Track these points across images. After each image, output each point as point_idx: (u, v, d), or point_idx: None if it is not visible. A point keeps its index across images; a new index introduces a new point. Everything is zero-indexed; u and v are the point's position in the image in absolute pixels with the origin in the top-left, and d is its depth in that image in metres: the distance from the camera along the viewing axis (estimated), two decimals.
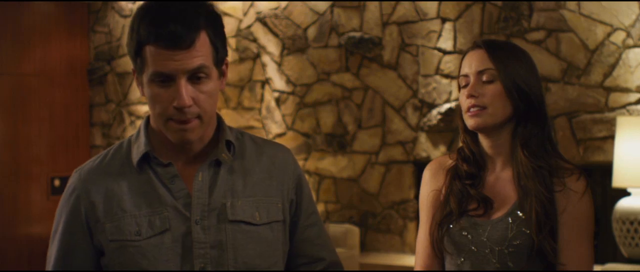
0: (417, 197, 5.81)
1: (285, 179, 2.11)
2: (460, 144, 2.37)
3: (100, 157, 2.06)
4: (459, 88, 2.31)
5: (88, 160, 2.09)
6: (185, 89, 1.89)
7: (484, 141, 2.29)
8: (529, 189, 2.18)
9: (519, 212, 2.18)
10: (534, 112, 2.24)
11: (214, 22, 1.94)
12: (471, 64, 2.26)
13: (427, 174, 2.40)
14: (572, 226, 2.17)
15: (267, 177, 2.08)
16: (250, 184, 2.05)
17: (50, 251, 2.03)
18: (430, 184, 2.38)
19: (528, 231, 2.16)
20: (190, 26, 1.87)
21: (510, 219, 2.19)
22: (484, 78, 2.23)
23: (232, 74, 6.48)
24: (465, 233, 2.23)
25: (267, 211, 2.04)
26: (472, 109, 2.23)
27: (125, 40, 7.32)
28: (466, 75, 2.27)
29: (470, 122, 2.24)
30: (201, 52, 1.89)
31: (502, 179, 2.27)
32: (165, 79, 1.89)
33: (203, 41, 1.89)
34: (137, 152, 2.00)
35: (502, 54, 2.25)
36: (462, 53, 2.34)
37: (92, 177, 2.01)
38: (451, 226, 2.24)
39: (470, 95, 2.23)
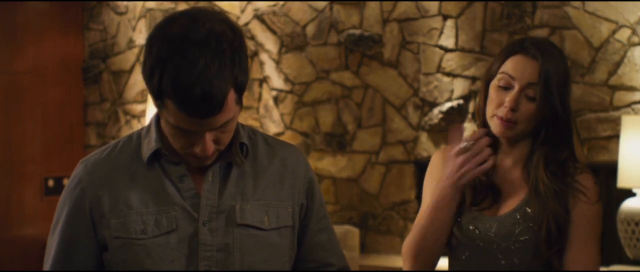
0: (418, 197, 5.81)
1: (297, 182, 2.10)
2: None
3: (107, 149, 2.03)
4: (487, 79, 2.27)
5: (94, 151, 2.07)
6: (209, 139, 1.86)
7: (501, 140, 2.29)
8: (546, 207, 2.18)
9: (527, 209, 2.19)
10: (559, 129, 2.22)
11: (240, 60, 1.84)
12: (523, 71, 2.21)
13: (437, 157, 2.39)
14: (579, 225, 2.18)
15: (278, 181, 2.06)
16: (261, 187, 2.03)
17: (50, 242, 2.01)
18: (441, 167, 2.35)
19: (535, 227, 2.17)
20: (219, 92, 1.77)
21: (518, 215, 2.20)
22: (529, 94, 2.20)
23: None
24: (473, 227, 2.23)
25: (276, 215, 2.03)
26: (505, 120, 2.21)
27: (120, 37, 7.31)
28: (512, 78, 2.22)
29: (497, 129, 2.22)
30: (229, 108, 1.83)
31: (513, 174, 2.27)
32: (186, 131, 1.85)
33: (231, 97, 1.82)
34: (147, 148, 1.98)
35: (552, 70, 2.19)
36: (511, 50, 2.26)
37: (99, 170, 1.99)
38: (459, 219, 2.25)
39: (512, 109, 2.19)
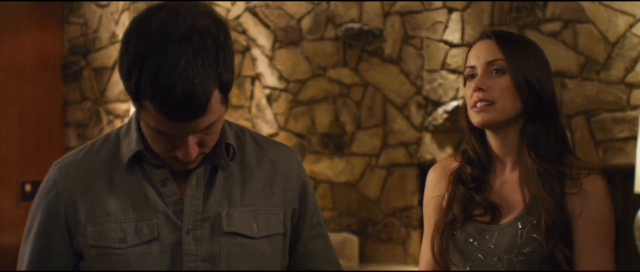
0: (421, 203, 5.81)
1: (289, 186, 2.08)
2: (465, 146, 2.37)
3: (84, 149, 2.02)
4: (465, 82, 2.31)
5: (70, 152, 2.04)
6: (192, 143, 1.84)
7: (492, 140, 2.29)
8: (536, 195, 2.18)
9: (529, 217, 2.19)
10: (543, 110, 2.24)
11: (225, 57, 1.81)
12: (479, 55, 2.26)
13: (430, 178, 2.41)
14: (590, 231, 2.17)
15: (268, 184, 2.05)
16: (250, 192, 2.02)
17: (23, 250, 2.00)
18: (433, 189, 2.39)
19: (539, 238, 2.16)
20: (202, 93, 1.74)
21: (519, 224, 2.19)
22: (494, 69, 2.24)
23: None
24: (471, 240, 2.23)
25: (266, 222, 2.01)
26: (479, 104, 2.22)
27: (102, 32, 7.30)
28: (473, 67, 2.26)
29: (476, 118, 2.23)
30: (213, 110, 1.80)
31: (510, 182, 2.27)
32: (167, 134, 1.83)
33: (215, 97, 1.79)
34: (127, 150, 1.96)
35: (513, 45, 2.26)
36: (469, 45, 2.34)
37: (75, 173, 1.97)
38: (456, 233, 2.25)
39: (477, 89, 2.23)
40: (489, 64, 2.24)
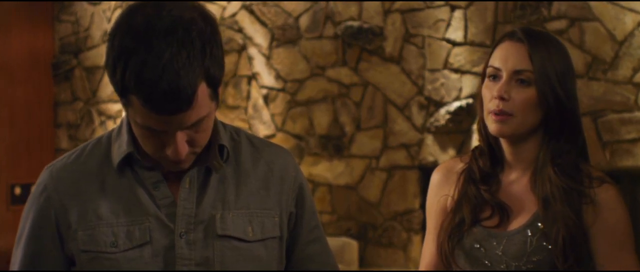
0: (422, 207, 5.81)
1: (285, 188, 2.08)
2: (476, 140, 2.36)
3: (75, 153, 2.03)
4: (483, 77, 2.28)
5: (61, 156, 2.06)
6: (181, 140, 1.85)
7: (505, 147, 2.28)
8: (556, 212, 2.17)
9: (539, 224, 2.18)
10: (567, 122, 2.22)
11: (212, 50, 1.82)
12: (507, 58, 2.22)
13: (435, 178, 2.40)
14: (609, 240, 2.18)
15: (263, 187, 2.05)
16: (244, 194, 2.02)
17: (15, 257, 2.01)
18: (439, 189, 2.38)
19: (549, 246, 2.16)
20: (188, 86, 1.76)
21: (529, 232, 2.19)
22: (519, 79, 2.20)
23: None
24: (478, 246, 2.22)
25: (261, 225, 2.01)
26: (497, 113, 2.20)
27: (94, 30, 7.30)
28: (498, 69, 2.22)
29: (492, 126, 2.21)
30: (200, 104, 1.81)
31: (520, 184, 2.26)
32: (155, 132, 1.84)
33: (202, 91, 1.81)
34: (118, 152, 1.97)
35: (544, 53, 2.20)
36: (497, 41, 2.30)
37: (66, 177, 1.98)
38: (463, 237, 2.24)
39: (500, 97, 2.19)
40: (516, 72, 2.20)
